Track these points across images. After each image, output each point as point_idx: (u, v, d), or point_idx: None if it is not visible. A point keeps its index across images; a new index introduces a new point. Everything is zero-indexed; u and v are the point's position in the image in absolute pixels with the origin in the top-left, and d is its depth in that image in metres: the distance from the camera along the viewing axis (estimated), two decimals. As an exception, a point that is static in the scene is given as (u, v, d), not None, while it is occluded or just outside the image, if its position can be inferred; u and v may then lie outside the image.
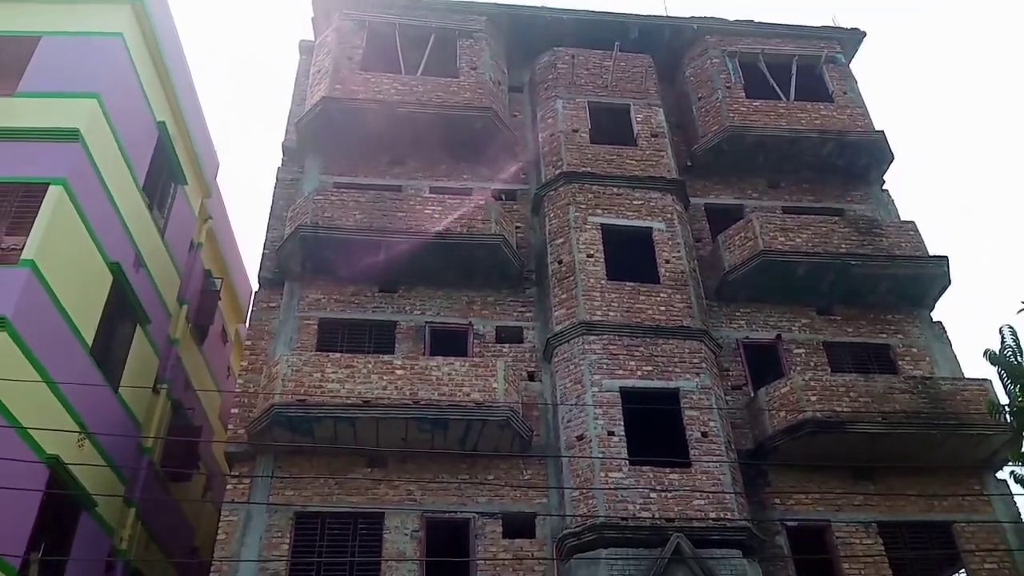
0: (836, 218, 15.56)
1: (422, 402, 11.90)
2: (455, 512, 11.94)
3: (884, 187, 16.86)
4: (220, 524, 11.54)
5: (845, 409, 12.61)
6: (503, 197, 15.55)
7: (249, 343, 13.42)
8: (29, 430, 10.78)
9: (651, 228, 14.74)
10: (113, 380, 13.58)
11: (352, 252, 13.71)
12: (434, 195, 14.79)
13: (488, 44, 16.89)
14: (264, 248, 14.34)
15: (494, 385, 12.23)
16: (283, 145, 15.84)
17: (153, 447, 14.75)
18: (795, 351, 14.24)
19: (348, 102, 15.19)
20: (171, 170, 16.01)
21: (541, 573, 11.53)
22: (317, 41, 17.01)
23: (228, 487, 11.99)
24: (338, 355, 12.41)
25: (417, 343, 13.55)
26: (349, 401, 11.78)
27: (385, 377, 12.08)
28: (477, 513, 11.91)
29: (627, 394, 12.65)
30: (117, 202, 13.68)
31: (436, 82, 15.78)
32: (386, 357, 12.51)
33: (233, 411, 12.68)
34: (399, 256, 13.78)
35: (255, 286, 14.42)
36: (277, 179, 15.38)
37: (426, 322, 13.79)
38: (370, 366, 12.15)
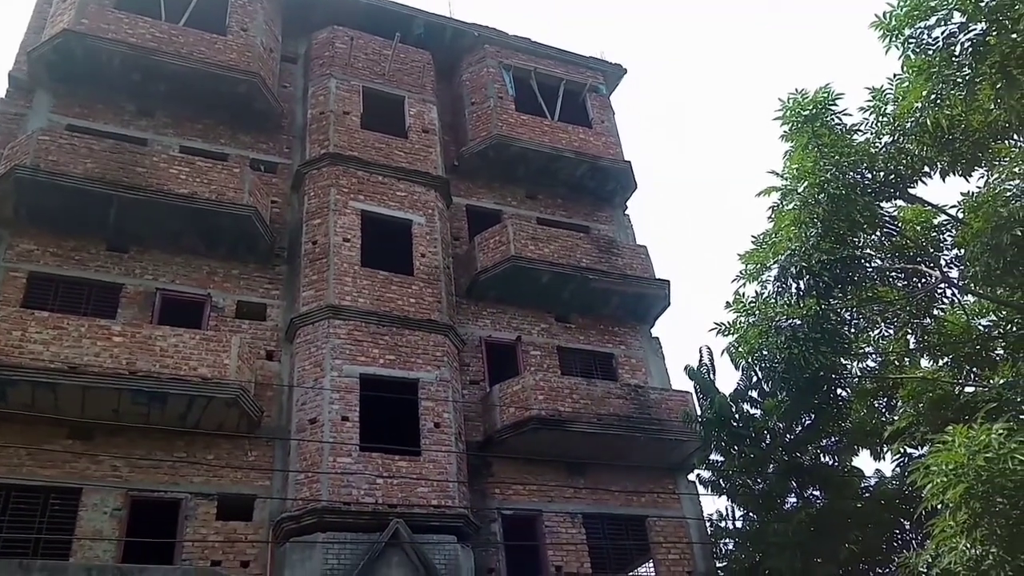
0: (582, 234, 16.74)
1: (140, 373, 11.08)
2: (165, 492, 11.24)
3: (626, 211, 18.42)
4: None
5: (567, 409, 13.59)
6: (261, 168, 14.91)
7: (-63, 291, 11.69)
8: None
9: (411, 221, 14.92)
10: None
11: (77, 203, 12.43)
12: (183, 155, 13.85)
13: (263, 7, 16.12)
14: (-30, 187, 12.57)
15: (226, 361, 11.70)
16: (10, 74, 14.01)
17: None
18: (532, 352, 15.09)
19: (94, 40, 13.77)
20: None
21: (253, 557, 11.21)
22: (67, -33, 15.23)
23: None
24: (45, 314, 11.20)
25: (145, 310, 12.60)
26: (53, 366, 10.68)
27: (100, 343, 11.10)
28: (190, 493, 11.31)
29: (367, 381, 12.68)
30: None
31: (200, 36, 14.78)
32: (103, 321, 11.51)
33: (-93, 367, 10.95)
34: (133, 215, 12.73)
35: (-44, 228, 12.59)
36: (-3, 111, 13.59)
37: (157, 288, 12.87)
38: (83, 329, 11.10)
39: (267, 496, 11.73)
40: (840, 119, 11.94)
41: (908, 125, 11.22)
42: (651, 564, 13.91)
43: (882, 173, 11.82)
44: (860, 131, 11.97)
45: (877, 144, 11.86)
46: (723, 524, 13.46)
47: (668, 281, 16.22)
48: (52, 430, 10.97)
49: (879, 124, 11.79)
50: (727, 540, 13.44)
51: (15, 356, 10.64)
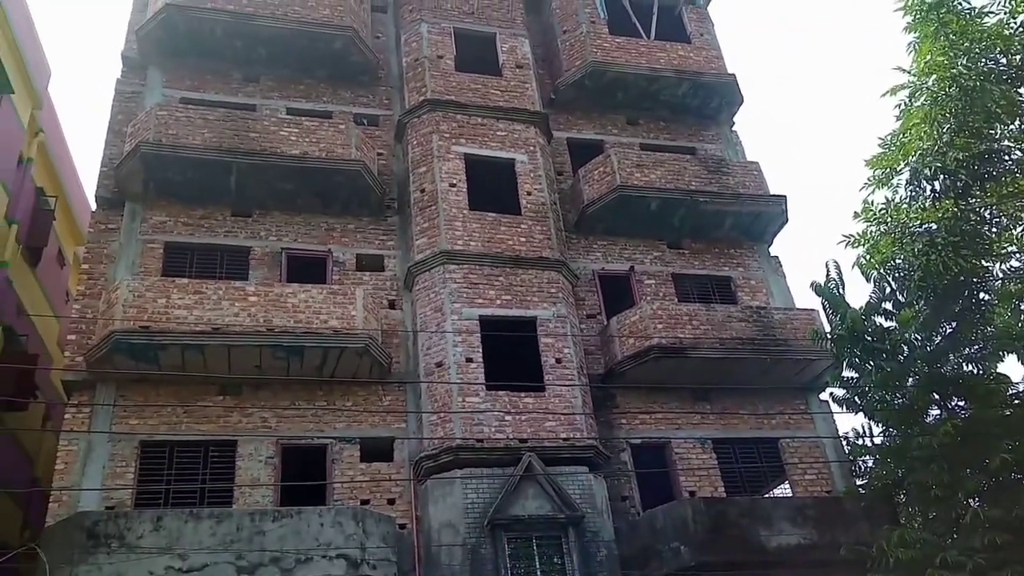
0: (688, 156, 16.24)
1: (277, 329, 11.64)
2: (312, 438, 11.89)
3: (733, 128, 17.70)
4: (58, 454, 10.99)
5: (687, 336, 13.40)
6: (364, 122, 15.15)
7: (86, 267, 12.59)
8: None
9: (514, 160, 14.85)
10: (-69, 306, 12.38)
11: (200, 173, 13.02)
12: (291, 116, 14.21)
13: (350, -41, 16.12)
14: (102, 166, 13.38)
15: (353, 313, 12.14)
16: (123, 55, 14.67)
17: (-19, 378, 13.62)
18: (646, 282, 14.91)
19: (194, 11, 14.20)
20: (-6, 78, 14.43)
21: (398, 495, 11.77)
22: (161, -57, 15.63)
23: (67, 416, 11.39)
24: (185, 280, 11.90)
25: (273, 270, 13.17)
26: (198, 328, 11.36)
27: (237, 304, 11.72)
28: (335, 438, 11.92)
29: (486, 322, 12.88)
30: (-72, 111, 12.25)
31: (293, -5, 14.98)
32: (238, 283, 12.12)
33: (70, 338, 11.93)
34: (252, 179, 13.23)
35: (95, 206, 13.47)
36: (116, 91, 14.30)
37: (282, 248, 13.39)
38: (220, 292, 11.73)
39: (404, 437, 12.23)
40: (968, 2, 10.96)
41: (1047, -1, 10.21)
42: (787, 485, 13.76)
43: (1018, 57, 10.82)
44: (991, 13, 10.96)
45: (1011, 25, 10.84)
46: (861, 441, 13.01)
47: (784, 196, 15.58)
48: (204, 388, 11.74)
49: (1012, 2, 10.76)
50: (866, 457, 13.02)
51: (163, 322, 11.36)
